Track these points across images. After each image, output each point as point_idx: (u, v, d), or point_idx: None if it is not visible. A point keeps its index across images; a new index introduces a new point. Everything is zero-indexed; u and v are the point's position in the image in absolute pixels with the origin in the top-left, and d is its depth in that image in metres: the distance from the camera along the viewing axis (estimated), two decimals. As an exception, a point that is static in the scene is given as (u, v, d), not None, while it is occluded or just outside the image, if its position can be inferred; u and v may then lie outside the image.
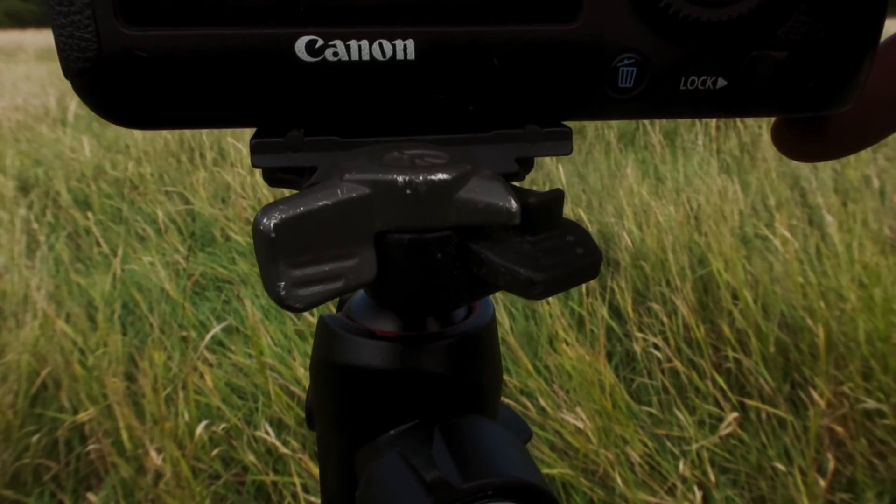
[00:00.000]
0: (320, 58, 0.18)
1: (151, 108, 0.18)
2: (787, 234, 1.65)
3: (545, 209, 0.18)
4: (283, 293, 0.16)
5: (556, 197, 0.18)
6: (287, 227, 0.16)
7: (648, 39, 0.18)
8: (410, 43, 0.18)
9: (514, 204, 0.17)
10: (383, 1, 0.18)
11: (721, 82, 0.19)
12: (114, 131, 3.60)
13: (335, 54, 0.18)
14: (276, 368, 1.40)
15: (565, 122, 0.20)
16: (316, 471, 1.17)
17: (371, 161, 0.17)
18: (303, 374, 1.37)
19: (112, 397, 1.31)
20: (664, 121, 2.99)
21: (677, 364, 1.45)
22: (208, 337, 1.43)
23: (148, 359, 1.40)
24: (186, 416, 1.27)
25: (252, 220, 1.86)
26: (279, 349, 1.48)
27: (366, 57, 0.18)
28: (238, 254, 2.14)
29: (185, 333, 1.59)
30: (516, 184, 0.20)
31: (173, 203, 2.51)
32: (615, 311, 1.71)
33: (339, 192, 0.16)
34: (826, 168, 2.65)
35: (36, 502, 1.22)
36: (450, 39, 0.18)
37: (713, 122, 2.89)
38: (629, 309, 1.64)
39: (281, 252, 0.16)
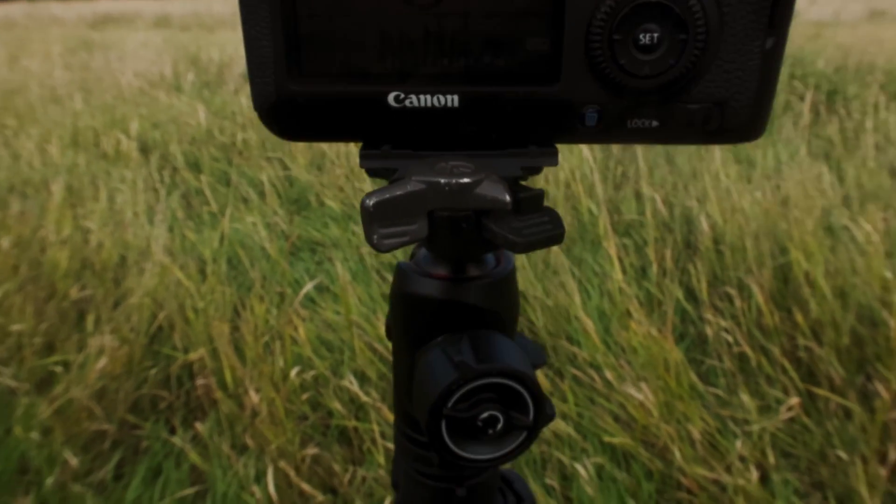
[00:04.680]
0: (402, 104, 0.29)
1: (304, 128, 0.31)
2: (870, 228, 1.61)
3: (530, 201, 0.28)
4: (375, 241, 0.27)
5: (538, 194, 0.29)
6: (380, 205, 0.27)
7: (604, 96, 0.29)
8: (456, 97, 0.29)
9: (508, 198, 0.28)
10: (440, 71, 0.29)
11: (655, 123, 0.29)
12: (221, 98, 3.84)
13: (411, 102, 0.29)
14: (362, 326, 1.53)
15: (556, 144, 0.31)
16: (392, 418, 1.28)
17: (429, 169, 0.28)
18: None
19: (218, 341, 1.47)
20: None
21: (747, 349, 1.47)
22: (302, 293, 1.57)
23: (249, 308, 1.55)
24: (282, 363, 1.41)
25: (343, 187, 2.00)
26: (365, 308, 1.60)
27: (429, 104, 0.29)
28: (331, 219, 2.28)
29: (281, 290, 1.74)
30: (523, 182, 0.31)
31: (273, 168, 2.69)
32: (690, 293, 1.74)
33: (408, 187, 0.27)
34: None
35: (152, 426, 1.40)
36: (482, 95, 0.29)
37: (807, 107, 2.79)
38: (704, 292, 1.66)
39: (375, 219, 0.27)
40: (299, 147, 2.84)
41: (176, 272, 1.66)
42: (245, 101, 3.59)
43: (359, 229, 2.10)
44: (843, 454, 1.24)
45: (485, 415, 0.29)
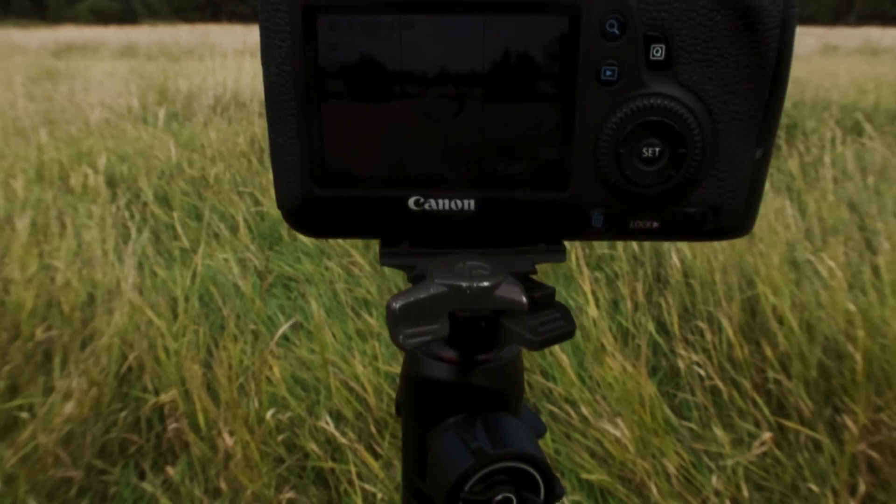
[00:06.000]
0: (421, 208, 0.32)
1: (327, 227, 0.34)
2: (832, 263, 1.66)
3: (544, 299, 0.30)
4: (401, 341, 0.28)
5: (551, 293, 0.31)
6: (405, 308, 0.29)
7: (610, 201, 0.32)
8: (472, 201, 0.32)
9: (524, 301, 0.29)
10: (457, 178, 0.31)
11: (655, 224, 0.32)
12: (190, 130, 3.82)
13: (430, 206, 0.32)
14: (337, 364, 1.51)
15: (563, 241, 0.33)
16: (370, 460, 1.27)
17: (449, 270, 0.30)
18: (361, 371, 1.48)
19: (190, 382, 1.45)
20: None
21: (719, 382, 1.50)
22: (279, 334, 1.55)
23: (223, 348, 1.53)
24: (256, 404, 1.39)
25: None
26: (340, 346, 1.59)
27: (447, 208, 0.32)
28: (303, 254, 2.27)
29: (255, 328, 1.72)
30: (533, 277, 0.32)
31: (245, 203, 2.67)
32: (662, 327, 1.76)
33: (431, 290, 0.29)
34: (890, 193, 2.62)
35: (121, 471, 1.37)
36: (496, 200, 0.32)
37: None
38: (676, 326, 1.69)
39: (401, 319, 0.28)
40: (271, 180, 2.83)
41: (146, 311, 1.63)
42: (214, 134, 3.57)
43: (332, 264, 2.09)
44: (814, 486, 1.26)
45: (499, 497, 0.30)
